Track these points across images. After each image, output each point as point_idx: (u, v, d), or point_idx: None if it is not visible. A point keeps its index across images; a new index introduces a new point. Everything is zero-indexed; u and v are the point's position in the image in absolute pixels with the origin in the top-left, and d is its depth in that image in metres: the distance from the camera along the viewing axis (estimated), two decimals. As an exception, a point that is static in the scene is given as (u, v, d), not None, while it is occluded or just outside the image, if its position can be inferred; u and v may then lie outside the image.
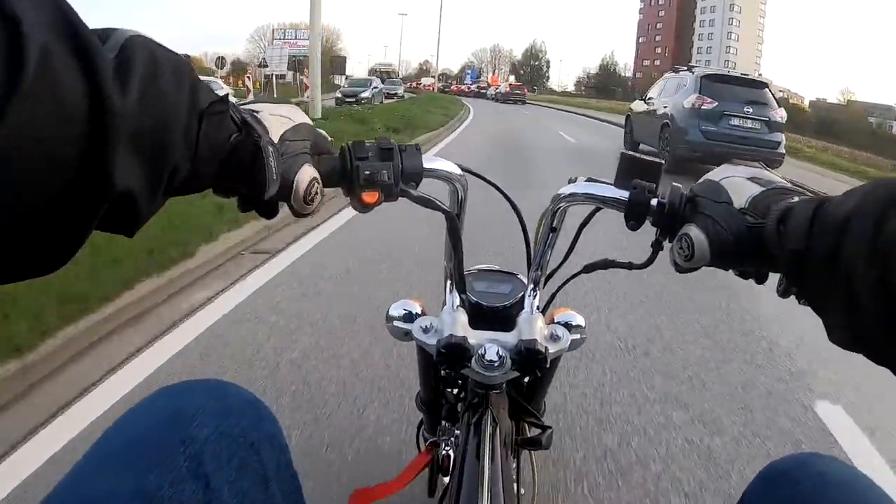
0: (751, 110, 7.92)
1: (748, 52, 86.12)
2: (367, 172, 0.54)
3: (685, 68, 9.18)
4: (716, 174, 0.55)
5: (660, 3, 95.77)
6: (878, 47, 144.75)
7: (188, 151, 0.40)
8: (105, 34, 0.35)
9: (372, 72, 60.03)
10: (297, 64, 28.54)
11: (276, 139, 0.50)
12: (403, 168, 0.57)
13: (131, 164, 0.34)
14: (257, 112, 0.51)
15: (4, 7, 0.27)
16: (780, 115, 8.12)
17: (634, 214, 0.58)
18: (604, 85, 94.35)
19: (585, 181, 0.64)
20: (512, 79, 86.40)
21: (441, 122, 13.33)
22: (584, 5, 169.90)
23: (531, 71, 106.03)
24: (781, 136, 8.16)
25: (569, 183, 0.66)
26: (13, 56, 0.26)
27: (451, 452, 0.81)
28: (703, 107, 7.82)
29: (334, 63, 37.80)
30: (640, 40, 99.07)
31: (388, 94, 30.30)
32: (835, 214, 0.39)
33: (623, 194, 0.59)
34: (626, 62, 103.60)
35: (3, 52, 0.26)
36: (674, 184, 0.57)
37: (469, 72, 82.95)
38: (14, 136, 0.27)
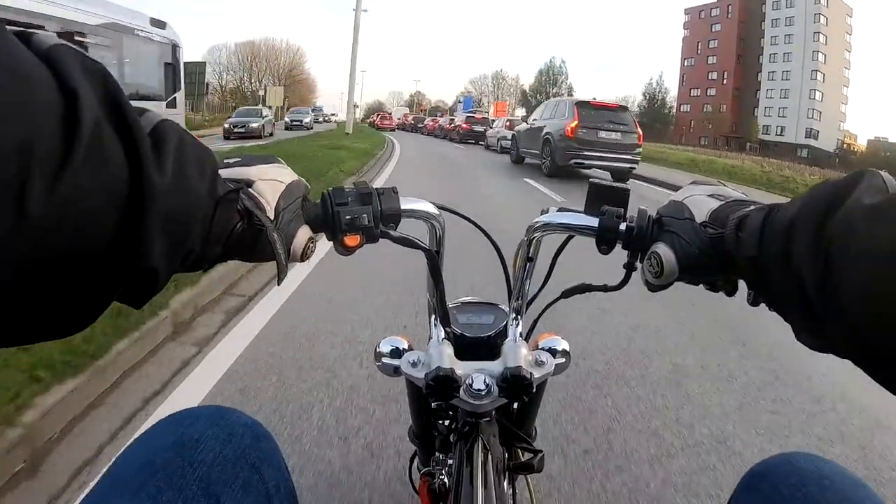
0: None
1: (835, 81, 63.10)
2: (348, 217, 0.56)
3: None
4: (679, 195, 0.59)
5: (713, 13, 72.82)
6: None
7: (203, 235, 0.42)
8: (140, 112, 0.36)
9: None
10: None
11: (273, 213, 0.52)
12: (382, 210, 0.59)
13: (159, 243, 0.35)
14: (251, 182, 0.53)
15: (65, 81, 0.28)
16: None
17: (605, 239, 0.61)
18: (651, 122, 70.78)
19: (557, 211, 0.66)
20: (520, 113, 63.24)
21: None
22: (608, 16, 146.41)
23: (547, 100, 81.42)
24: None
25: (542, 214, 0.68)
26: (70, 129, 0.28)
27: (446, 480, 0.83)
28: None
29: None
30: (687, 63, 75.95)
31: (292, 122, 34.64)
32: (782, 219, 0.42)
33: (593, 221, 0.61)
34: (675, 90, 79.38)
35: (62, 124, 0.28)
36: (640, 207, 0.60)
37: (463, 100, 59.28)
38: (63, 205, 0.28)
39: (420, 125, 41.31)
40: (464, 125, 25.79)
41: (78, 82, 0.29)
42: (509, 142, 15.91)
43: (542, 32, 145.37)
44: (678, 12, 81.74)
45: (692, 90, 74.01)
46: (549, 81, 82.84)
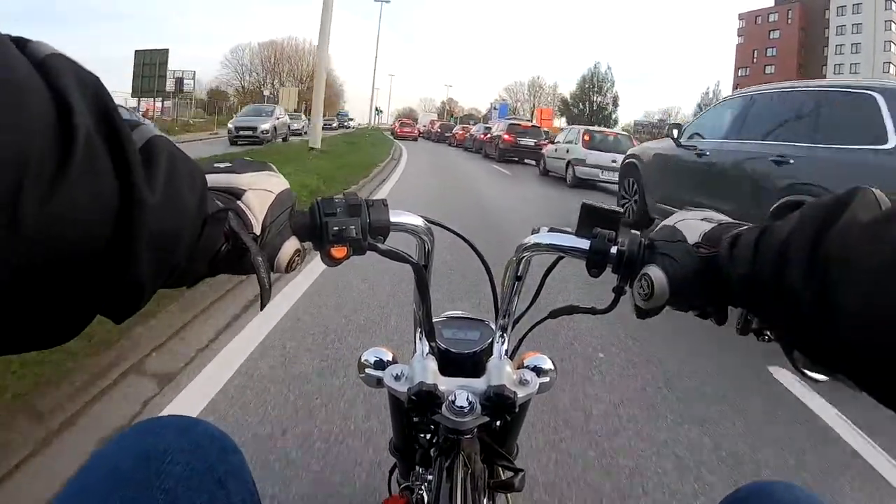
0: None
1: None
2: (336, 228, 0.55)
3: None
4: (671, 220, 0.58)
5: (770, 19, 67.26)
6: None
7: (189, 253, 0.42)
8: (132, 125, 0.36)
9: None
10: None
11: (259, 228, 0.51)
12: (371, 223, 0.58)
13: (147, 259, 0.35)
14: (241, 192, 0.51)
15: (60, 94, 0.28)
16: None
17: (595, 262, 0.60)
18: None
19: (548, 231, 0.65)
20: (561, 124, 58.27)
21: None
22: (649, 21, 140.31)
23: (591, 109, 75.62)
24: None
25: (532, 233, 0.67)
26: (63, 142, 0.28)
27: (424, 496, 0.81)
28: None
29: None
30: (741, 72, 70.36)
31: (238, 132, 21.67)
32: (776, 237, 0.42)
33: (584, 243, 0.61)
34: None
35: (56, 137, 0.27)
36: (632, 231, 0.59)
37: (499, 107, 54.33)
38: (53, 219, 0.28)
39: (448, 134, 35.46)
40: (506, 136, 18.77)
41: (72, 95, 0.29)
42: (595, 172, 11.67)
43: (580, 39, 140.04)
44: (728, 17, 76.20)
45: (747, 102, 68.50)
46: (593, 89, 76.57)
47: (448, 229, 0.72)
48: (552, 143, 14.70)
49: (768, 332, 0.51)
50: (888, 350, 0.32)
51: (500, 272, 0.74)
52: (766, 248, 0.43)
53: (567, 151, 12.72)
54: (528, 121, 25.61)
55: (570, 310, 0.67)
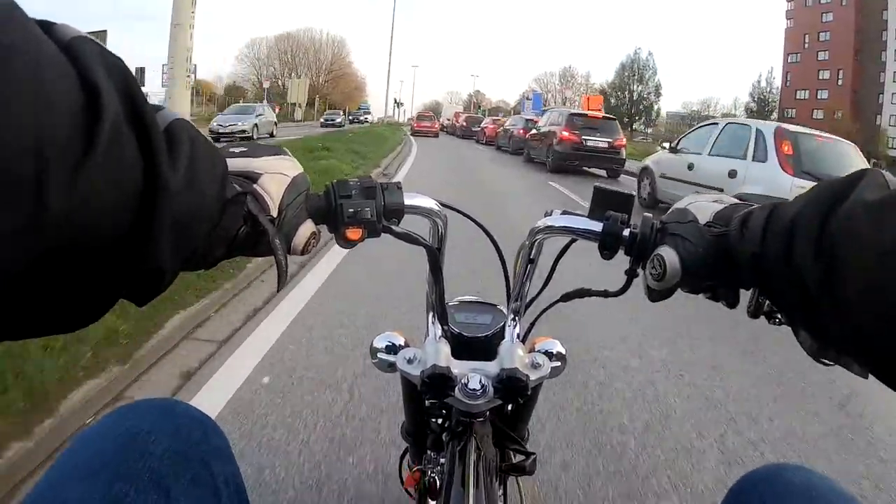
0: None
1: None
2: (351, 210, 0.56)
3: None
4: (682, 202, 0.58)
5: (822, 0, 62.06)
6: None
7: (209, 236, 0.43)
8: (155, 108, 0.36)
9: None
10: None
11: (276, 210, 0.52)
12: (385, 205, 0.58)
13: (167, 243, 0.35)
14: (257, 175, 0.52)
15: (87, 75, 0.28)
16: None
17: (608, 245, 0.60)
18: None
19: (561, 214, 0.66)
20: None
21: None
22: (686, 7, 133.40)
23: (631, 99, 69.91)
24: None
25: (545, 216, 0.67)
26: (90, 124, 0.28)
27: (437, 479, 0.81)
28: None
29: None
30: (791, 59, 65.16)
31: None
32: (784, 216, 0.42)
33: (597, 226, 0.61)
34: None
35: (83, 119, 0.27)
36: (645, 213, 0.60)
37: (532, 97, 49.18)
38: (79, 201, 0.28)
39: (475, 128, 29.13)
40: (564, 132, 12.40)
41: (99, 77, 0.29)
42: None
43: (613, 25, 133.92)
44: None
45: (797, 91, 63.15)
46: (634, 77, 70.92)
47: (462, 213, 0.72)
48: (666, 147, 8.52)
49: (779, 316, 0.51)
50: (893, 331, 0.32)
51: (511, 259, 0.76)
52: (776, 226, 0.43)
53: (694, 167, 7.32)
54: (597, 110, 18.24)
55: (582, 293, 0.67)
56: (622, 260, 0.62)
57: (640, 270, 0.59)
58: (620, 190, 0.63)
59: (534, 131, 15.12)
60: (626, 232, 0.59)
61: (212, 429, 0.64)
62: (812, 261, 0.37)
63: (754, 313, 0.52)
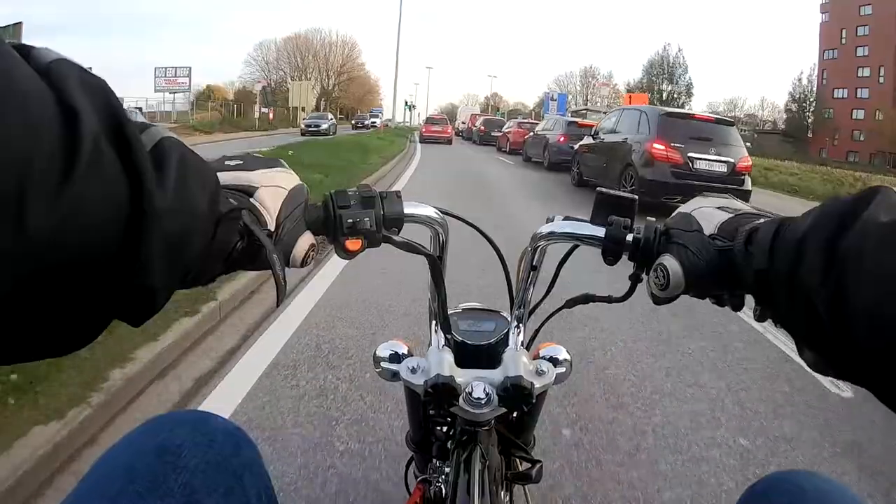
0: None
1: None
2: (350, 220, 0.55)
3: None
4: (687, 206, 0.58)
5: (862, -7, 58.36)
6: None
7: (203, 253, 0.42)
8: (142, 127, 0.36)
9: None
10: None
11: (274, 224, 0.52)
12: (385, 215, 0.58)
13: (159, 262, 0.35)
14: (253, 189, 0.52)
15: (65, 98, 0.28)
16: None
17: (611, 250, 0.60)
18: (794, 131, 56.21)
19: (563, 220, 0.65)
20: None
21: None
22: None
23: (661, 99, 63.89)
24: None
25: (547, 222, 0.67)
26: (69, 146, 0.28)
27: (442, 488, 0.80)
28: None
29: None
30: (828, 55, 61.52)
31: None
32: (793, 233, 0.41)
33: (599, 231, 0.61)
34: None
35: (61, 141, 0.27)
36: (648, 218, 0.59)
37: (558, 97, 44.38)
38: (62, 222, 0.28)
39: (495, 133, 24.53)
40: (654, 146, 7.79)
41: (77, 99, 0.29)
42: None
43: (635, 23, 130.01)
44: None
45: (835, 90, 59.45)
46: (663, 75, 67.07)
47: (463, 220, 0.71)
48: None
49: None
50: None
51: (515, 265, 0.74)
52: (783, 245, 0.42)
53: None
54: (713, 113, 13.24)
55: (586, 298, 0.67)
56: (624, 262, 0.61)
57: (643, 275, 0.58)
58: (623, 193, 0.61)
59: (588, 140, 10.48)
60: (629, 237, 0.58)
61: (244, 441, 0.63)
62: (820, 281, 0.36)
63: (760, 317, 0.50)
